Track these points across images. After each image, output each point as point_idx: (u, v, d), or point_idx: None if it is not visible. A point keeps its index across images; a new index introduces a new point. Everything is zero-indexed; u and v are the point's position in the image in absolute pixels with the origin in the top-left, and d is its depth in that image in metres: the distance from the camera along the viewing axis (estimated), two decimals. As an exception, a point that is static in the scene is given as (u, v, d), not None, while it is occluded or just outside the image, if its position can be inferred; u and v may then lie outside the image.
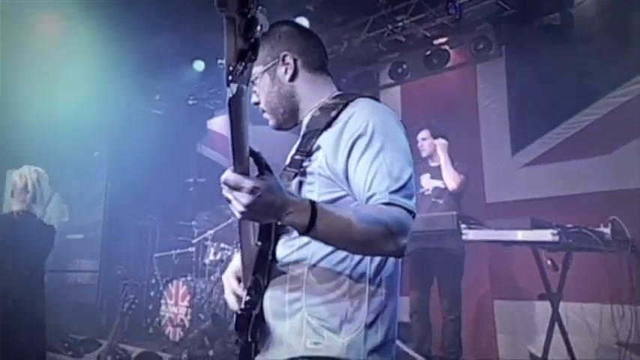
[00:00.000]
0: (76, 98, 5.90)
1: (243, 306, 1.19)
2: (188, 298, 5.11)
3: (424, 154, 3.95)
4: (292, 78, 1.32)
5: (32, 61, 5.56)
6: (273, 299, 1.19)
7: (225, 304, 4.76)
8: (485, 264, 4.66)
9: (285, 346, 1.15)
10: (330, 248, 1.15)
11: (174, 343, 5.00)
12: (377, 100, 1.28)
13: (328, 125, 1.20)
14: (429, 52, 5.42)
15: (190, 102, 7.17)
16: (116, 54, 5.75)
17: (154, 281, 6.01)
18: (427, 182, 3.89)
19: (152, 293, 6.00)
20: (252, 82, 1.32)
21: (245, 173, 0.94)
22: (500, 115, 5.07)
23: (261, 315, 1.18)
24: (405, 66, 5.64)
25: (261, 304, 1.19)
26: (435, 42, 5.43)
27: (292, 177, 1.20)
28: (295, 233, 1.07)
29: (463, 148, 4.78)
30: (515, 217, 4.12)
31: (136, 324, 5.94)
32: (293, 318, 1.15)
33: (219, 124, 7.20)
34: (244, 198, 0.93)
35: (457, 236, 3.07)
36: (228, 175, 0.94)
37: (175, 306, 5.24)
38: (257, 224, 1.18)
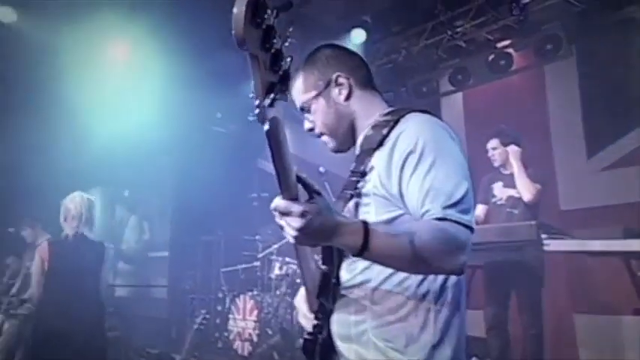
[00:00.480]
0: (144, 120, 6.17)
1: (311, 329, 1.22)
2: (255, 312, 5.13)
3: (496, 164, 3.75)
4: (347, 97, 1.33)
5: (102, 85, 5.86)
6: (339, 322, 1.21)
7: (292, 319, 4.78)
8: (562, 274, 4.39)
9: None
10: (388, 272, 1.14)
11: (243, 358, 5.04)
12: (430, 113, 1.25)
13: (380, 144, 1.19)
14: (492, 56, 5.24)
15: (250, 118, 7.27)
16: (180, 75, 5.96)
17: (220, 295, 6.12)
18: (500, 191, 3.70)
19: (219, 308, 6.10)
20: (305, 109, 1.36)
21: (294, 199, 0.96)
22: (572, 117, 4.80)
23: (329, 338, 1.20)
24: (466, 72, 5.48)
25: (329, 327, 1.21)
26: (499, 45, 5.25)
27: (348, 199, 1.20)
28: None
29: (533, 154, 4.57)
30: (597, 225, 3.87)
31: (205, 338, 6.05)
32: (359, 340, 1.16)
33: (279, 138, 7.27)
34: (296, 222, 0.95)
35: (536, 247, 2.89)
36: (278, 201, 0.97)
37: (243, 320, 5.29)
38: (315, 248, 1.19)
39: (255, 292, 5.37)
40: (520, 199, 3.55)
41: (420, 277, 1.16)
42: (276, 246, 5.27)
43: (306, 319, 1.36)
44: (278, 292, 5.17)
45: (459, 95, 5.78)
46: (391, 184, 1.15)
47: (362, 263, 1.18)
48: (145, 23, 5.00)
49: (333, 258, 1.20)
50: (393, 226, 1.11)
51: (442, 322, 1.14)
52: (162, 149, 7.31)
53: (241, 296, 5.44)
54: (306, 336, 1.23)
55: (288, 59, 0.85)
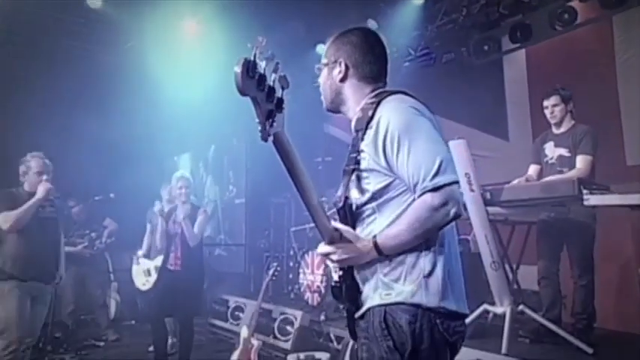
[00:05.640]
0: (215, 92, 6.61)
1: (337, 279, 1.56)
2: (323, 267, 5.57)
3: (554, 121, 3.78)
4: (342, 80, 1.64)
5: (177, 62, 6.35)
6: (358, 270, 1.53)
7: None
8: (628, 228, 4.34)
9: (369, 299, 1.50)
10: (387, 222, 1.46)
11: (312, 307, 5.53)
12: (406, 93, 1.53)
13: (367, 125, 1.48)
14: (555, 10, 5.08)
15: (315, 85, 7.54)
16: (247, 48, 6.30)
17: (291, 253, 6.63)
18: (551, 151, 3.75)
19: (291, 264, 6.63)
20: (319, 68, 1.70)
21: (331, 242, 1.45)
22: (642, 69, 4.59)
23: (353, 284, 1.54)
24: (528, 28, 5.35)
25: (351, 274, 1.53)
26: (562, -2, 5.07)
27: (351, 173, 1.50)
28: (364, 214, 1.49)
29: (598, 107, 4.47)
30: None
31: (279, 291, 6.64)
32: (372, 280, 1.49)
33: (343, 103, 7.49)
34: (335, 257, 1.47)
35: (577, 202, 2.97)
36: (321, 248, 1.49)
37: (312, 274, 5.75)
38: (326, 209, 1.49)
39: (322, 249, 5.77)
40: (570, 157, 3.60)
41: None
42: (340, 206, 5.59)
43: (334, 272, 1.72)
44: (343, 248, 5.52)
45: (522, 53, 5.65)
46: (380, 160, 1.45)
47: (368, 219, 1.50)
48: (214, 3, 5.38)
49: (348, 220, 1.51)
50: (394, 224, 1.42)
51: (430, 257, 1.43)
52: (234, 117, 7.78)
53: (310, 252, 5.89)
54: (333, 283, 1.57)
55: (280, 90, 1.22)
